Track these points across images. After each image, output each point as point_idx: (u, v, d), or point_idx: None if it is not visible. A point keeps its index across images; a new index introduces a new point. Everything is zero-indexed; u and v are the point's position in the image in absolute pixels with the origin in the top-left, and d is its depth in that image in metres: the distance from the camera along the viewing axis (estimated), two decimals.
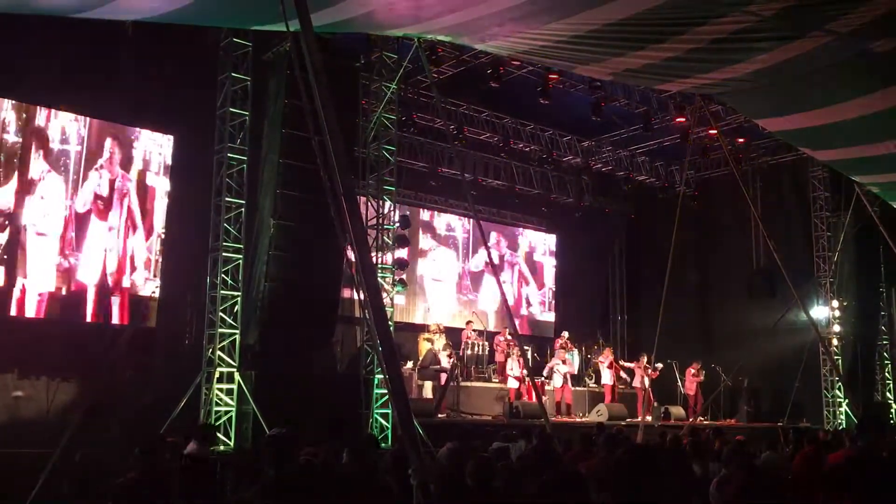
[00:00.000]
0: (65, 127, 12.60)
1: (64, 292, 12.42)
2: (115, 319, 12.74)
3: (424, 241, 20.49)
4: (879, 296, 19.79)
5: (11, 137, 12.13)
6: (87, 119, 12.75)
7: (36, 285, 12.13)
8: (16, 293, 11.96)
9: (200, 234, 12.67)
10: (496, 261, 21.67)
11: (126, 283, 12.94)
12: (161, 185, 13.49)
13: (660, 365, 17.45)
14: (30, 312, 12.05)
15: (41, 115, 12.47)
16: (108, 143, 13.02)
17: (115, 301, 12.81)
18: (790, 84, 8.42)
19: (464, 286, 21.11)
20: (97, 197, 12.83)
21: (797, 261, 18.51)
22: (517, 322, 21.34)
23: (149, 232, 13.23)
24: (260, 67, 13.03)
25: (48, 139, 12.47)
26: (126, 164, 13.16)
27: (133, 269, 13.02)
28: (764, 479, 5.23)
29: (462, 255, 21.21)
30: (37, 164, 12.34)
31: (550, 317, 22.65)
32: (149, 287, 12.99)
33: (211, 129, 12.70)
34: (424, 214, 20.64)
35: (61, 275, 12.39)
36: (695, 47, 7.58)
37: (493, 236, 21.76)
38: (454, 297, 20.85)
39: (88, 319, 12.57)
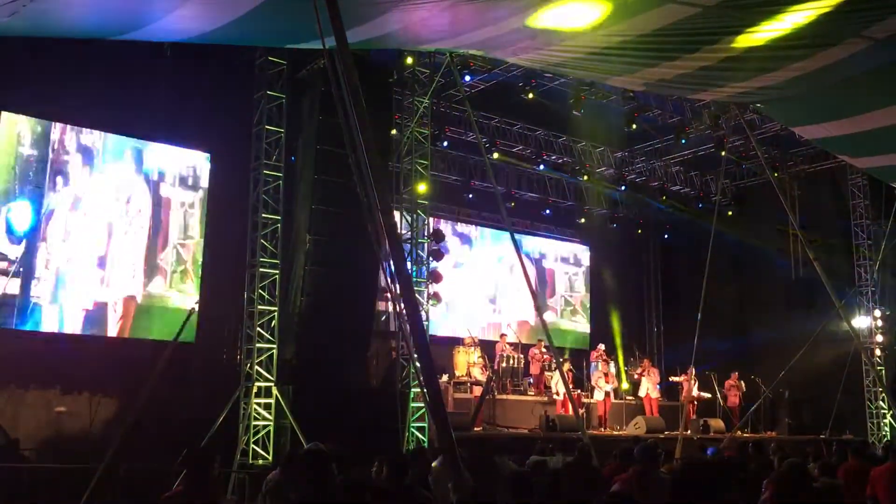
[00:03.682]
0: (83, 141, 12.84)
1: (99, 308, 12.64)
2: (154, 334, 12.93)
3: (457, 253, 20.48)
4: None
5: (41, 152, 12.37)
6: (102, 133, 12.96)
7: (73, 301, 12.36)
8: (56, 309, 12.20)
9: (238, 250, 12.82)
10: (543, 274, 21.61)
11: (153, 296, 13.13)
12: (177, 197, 13.63)
13: (705, 395, 17.38)
14: (69, 328, 12.28)
15: (73, 132, 12.73)
16: (125, 159, 13.21)
17: (151, 314, 13.01)
18: (826, 91, 8.33)
19: (493, 300, 21.01)
20: (126, 211, 13.06)
21: (837, 270, 18.21)
22: (563, 336, 21.23)
23: (164, 244, 13.39)
24: (295, 85, 13.20)
25: (83, 155, 12.74)
26: (144, 177, 13.34)
27: (157, 280, 13.22)
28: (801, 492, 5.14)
29: (490, 267, 21.10)
30: (69, 180, 12.60)
31: (584, 328, 22.46)
32: (174, 299, 13.13)
33: (247, 146, 12.86)
34: (457, 227, 20.63)
35: (97, 290, 12.61)
36: (729, 56, 7.54)
37: (534, 249, 21.71)
38: (486, 310, 20.78)
39: (125, 335, 12.78)
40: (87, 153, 12.84)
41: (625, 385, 18.62)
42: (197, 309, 12.75)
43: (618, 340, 20.92)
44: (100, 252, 12.71)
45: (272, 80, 12.79)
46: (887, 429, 17.87)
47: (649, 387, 17.34)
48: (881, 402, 18.16)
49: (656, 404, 17.31)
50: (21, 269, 11.97)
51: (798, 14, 6.44)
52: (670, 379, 18.59)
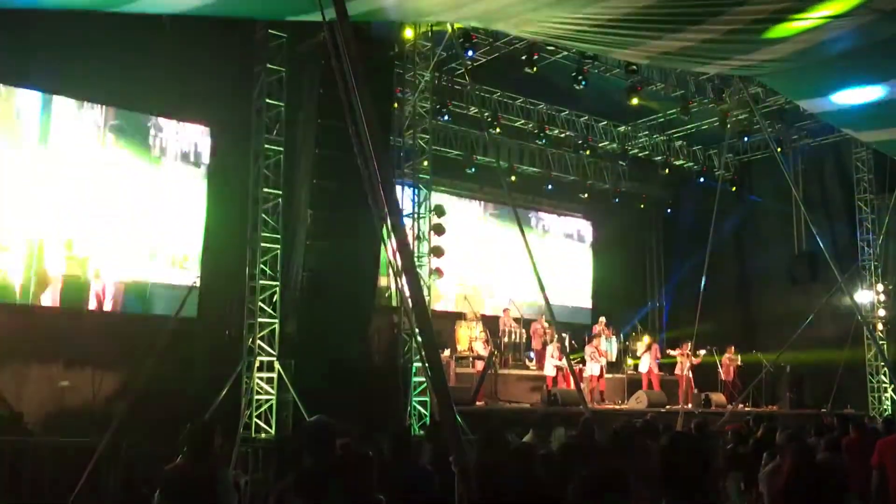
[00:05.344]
0: (88, 116, 12.77)
1: (102, 284, 12.64)
2: (155, 310, 12.95)
3: (459, 228, 20.42)
4: None
5: (40, 128, 12.30)
6: (103, 107, 12.88)
7: (76, 277, 12.37)
8: (58, 284, 12.21)
9: (239, 225, 12.79)
10: (545, 248, 21.54)
11: (154, 272, 13.14)
12: (178, 172, 13.58)
13: (702, 352, 17.30)
14: (72, 304, 12.31)
15: (73, 106, 12.65)
16: (126, 133, 13.14)
17: (154, 291, 13.03)
18: (832, 64, 8.25)
19: (491, 274, 20.98)
20: (128, 186, 13.03)
21: (840, 244, 18.20)
22: (566, 311, 21.21)
23: (165, 219, 13.35)
24: (295, 58, 13.07)
25: (84, 130, 12.68)
26: (145, 152, 13.28)
27: (159, 256, 13.23)
28: (821, 470, 5.16)
29: (491, 242, 21.04)
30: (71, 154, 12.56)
31: (587, 303, 22.46)
32: (184, 277, 13.14)
33: (247, 120, 12.79)
34: (459, 202, 20.56)
35: (101, 265, 12.61)
36: (734, 28, 7.45)
37: (537, 223, 21.69)
38: (488, 285, 20.76)
39: (126, 311, 12.81)
40: (88, 128, 12.77)
41: (628, 361, 18.67)
42: (198, 284, 12.78)
43: (620, 315, 20.92)
44: (101, 228, 12.67)
45: (272, 54, 12.68)
46: (888, 403, 17.93)
47: (651, 363, 17.37)
48: (882, 377, 18.20)
49: (657, 380, 17.36)
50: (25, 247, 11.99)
51: None
52: (668, 352, 18.60)
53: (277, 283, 12.48)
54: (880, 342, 17.95)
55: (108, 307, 12.74)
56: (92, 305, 12.61)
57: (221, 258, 13.44)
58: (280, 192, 12.61)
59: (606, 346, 17.64)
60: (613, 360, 17.97)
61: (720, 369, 18.21)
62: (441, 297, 18.87)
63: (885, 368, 17.70)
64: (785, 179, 14.25)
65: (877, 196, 18.55)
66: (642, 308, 23.04)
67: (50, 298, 12.24)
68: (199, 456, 4.65)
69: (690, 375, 17.21)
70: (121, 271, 12.86)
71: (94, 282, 12.62)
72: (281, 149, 12.67)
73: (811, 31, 7.33)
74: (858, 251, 18.83)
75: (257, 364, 12.09)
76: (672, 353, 18.34)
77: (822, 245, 12.60)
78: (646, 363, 17.39)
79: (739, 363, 18.11)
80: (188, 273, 13.20)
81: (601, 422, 8.87)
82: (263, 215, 12.42)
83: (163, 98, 12.98)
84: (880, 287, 18.74)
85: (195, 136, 13.78)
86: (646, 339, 17.93)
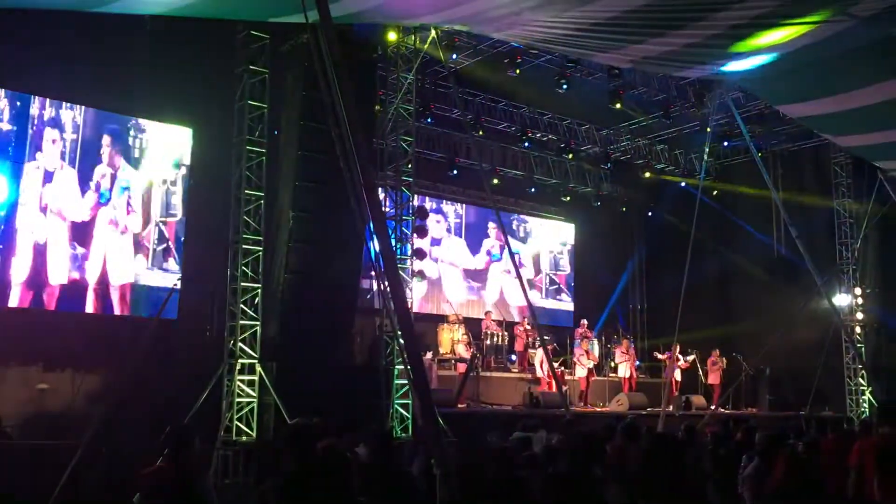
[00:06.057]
0: (63, 117, 12.65)
1: (80, 285, 12.54)
2: (136, 311, 12.86)
3: (440, 231, 20.47)
4: None
5: (20, 127, 12.17)
6: (82, 108, 12.77)
7: (53, 278, 12.25)
8: (35, 285, 12.09)
9: (220, 226, 12.73)
10: (527, 251, 21.69)
11: (134, 274, 13.05)
12: (159, 173, 13.50)
13: (691, 357, 17.47)
14: (49, 305, 12.19)
15: (49, 106, 12.53)
16: (106, 135, 13.03)
17: (133, 292, 12.94)
18: (811, 69, 8.33)
19: (472, 277, 21.05)
20: (107, 188, 12.93)
21: (819, 248, 18.34)
22: (547, 313, 21.36)
23: (146, 222, 13.27)
24: (278, 60, 13.04)
25: (58, 130, 12.57)
26: (125, 153, 13.18)
27: (139, 258, 13.15)
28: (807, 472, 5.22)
29: (473, 245, 21.11)
30: (47, 156, 12.46)
31: (567, 305, 22.57)
32: (166, 279, 13.06)
33: (229, 121, 12.74)
34: (440, 204, 20.60)
35: (78, 267, 12.52)
36: (715, 33, 7.51)
37: (519, 226, 21.78)
38: (470, 287, 20.82)
39: (107, 312, 12.71)
40: (67, 128, 12.67)
41: (611, 363, 18.76)
42: (179, 286, 12.71)
43: (601, 318, 21.03)
44: (80, 229, 12.58)
45: (255, 55, 12.64)
46: (866, 405, 18.09)
47: (628, 367, 17.45)
48: (860, 379, 18.38)
49: (634, 383, 17.44)
50: (1, 247, 11.86)
51: None
52: (655, 355, 18.71)
53: (259, 285, 12.44)
54: (858, 345, 18.14)
55: (89, 309, 12.63)
56: (73, 307, 12.49)
57: (203, 260, 13.37)
58: (262, 194, 12.57)
59: (591, 350, 17.74)
60: (597, 362, 18.05)
61: (700, 372, 18.32)
62: (423, 300, 18.90)
63: (863, 371, 17.87)
64: (765, 183, 14.37)
65: (855, 200, 18.74)
66: (624, 310, 23.16)
67: (30, 300, 12.11)
68: (179, 459, 4.64)
69: (679, 379, 17.33)
70: (101, 273, 12.75)
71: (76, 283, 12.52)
72: (263, 150, 12.63)
73: (789, 38, 7.41)
74: (837, 255, 19.01)
75: (238, 366, 12.04)
76: (660, 356, 18.47)
77: (801, 249, 12.69)
78: (624, 368, 17.47)
79: (725, 366, 18.19)
80: (169, 275, 13.13)
81: (582, 424, 8.92)
82: (245, 217, 12.38)
83: (143, 99, 12.90)
84: (858, 291, 18.92)
85: (176, 138, 13.70)
86: (625, 343, 17.99)
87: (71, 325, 12.17)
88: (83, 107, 12.78)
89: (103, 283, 12.72)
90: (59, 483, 8.88)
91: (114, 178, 12.99)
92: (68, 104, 12.65)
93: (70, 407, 11.79)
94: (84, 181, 12.70)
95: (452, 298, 19.50)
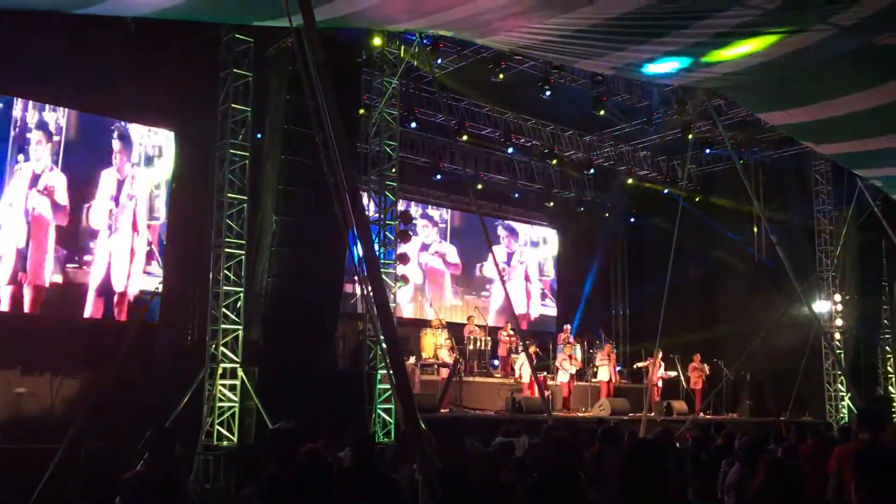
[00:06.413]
0: (47, 119, 12.56)
1: (61, 288, 12.44)
2: (119, 315, 12.78)
3: (425, 235, 20.50)
4: (881, 290, 19.82)
5: (2, 129, 12.07)
6: (66, 110, 12.69)
7: (33, 280, 12.15)
8: (15, 289, 11.98)
9: (203, 230, 12.67)
10: (505, 258, 21.76)
11: (126, 278, 12.97)
12: (146, 177, 13.43)
13: (674, 373, 17.60)
14: (28, 308, 12.07)
15: (33, 108, 12.44)
16: (89, 137, 12.95)
17: (118, 297, 12.85)
18: (793, 78, 8.40)
19: (466, 282, 21.11)
20: (90, 191, 12.86)
21: (799, 255, 18.49)
22: (531, 319, 21.47)
23: (129, 225, 13.19)
24: (262, 63, 13.01)
25: (45, 132, 12.49)
26: (108, 156, 13.10)
27: (132, 264, 13.06)
28: (789, 478, 5.26)
29: (462, 250, 21.17)
30: (32, 158, 12.37)
31: (551, 311, 22.66)
32: (148, 282, 12.98)
33: (213, 125, 12.69)
34: (424, 209, 20.64)
35: (61, 270, 12.42)
36: (697, 41, 7.57)
37: (503, 232, 21.88)
38: (453, 292, 20.86)
39: (89, 315, 12.60)
40: (50, 130, 12.57)
41: (594, 369, 18.81)
42: (160, 290, 12.64)
43: (584, 323, 21.10)
44: (62, 232, 12.48)
45: (238, 58, 12.61)
46: (845, 411, 18.24)
47: (609, 372, 17.49)
48: (840, 385, 18.53)
49: (612, 388, 17.47)
50: None
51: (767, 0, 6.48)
52: (635, 366, 18.81)
53: (242, 288, 12.39)
54: (837, 351, 18.29)
55: (71, 312, 12.51)
56: (58, 311, 12.37)
57: (185, 264, 13.31)
58: (245, 198, 12.53)
59: (574, 354, 17.78)
60: (580, 367, 18.09)
61: (682, 378, 18.41)
62: (405, 305, 18.91)
63: (842, 377, 18.02)
64: (746, 190, 14.49)
65: (835, 208, 18.92)
66: (607, 315, 23.26)
67: (7, 303, 12.00)
68: (159, 463, 4.62)
69: (660, 385, 17.39)
70: (84, 273, 12.66)
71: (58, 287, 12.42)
72: (246, 154, 12.59)
73: (772, 46, 7.47)
74: (817, 262, 19.18)
75: (220, 371, 11.98)
76: (640, 365, 18.57)
77: (781, 255, 12.80)
78: (605, 372, 17.51)
79: (707, 371, 18.26)
80: (151, 278, 13.05)
81: (565, 429, 8.93)
82: (228, 221, 12.33)
83: (127, 102, 12.84)
84: (838, 297, 19.09)
85: (159, 141, 13.64)
86: (607, 348, 18.05)
87: (51, 329, 12.06)
88: (67, 109, 12.71)
89: (85, 285, 12.62)
90: (39, 486, 8.81)
91: (97, 181, 12.90)
92: (52, 106, 12.57)
93: (49, 411, 11.68)
94: (69, 184, 12.60)
95: (438, 304, 19.54)
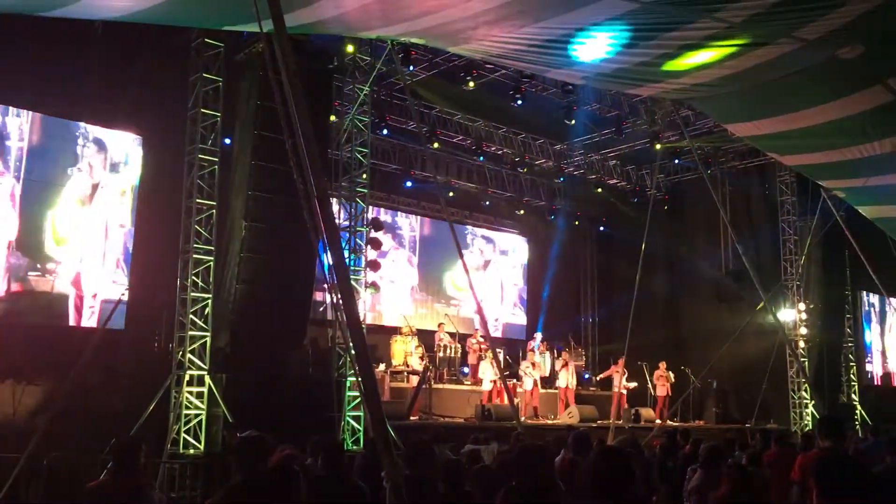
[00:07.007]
0: (14, 123, 12.39)
1: (23, 295, 12.24)
2: (85, 322, 12.61)
3: (393, 242, 20.47)
4: (845, 298, 20.19)
5: None
6: (29, 113, 12.51)
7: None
8: None
9: (171, 236, 12.54)
10: (480, 264, 21.81)
11: (95, 284, 12.81)
12: (112, 182, 13.28)
13: (633, 384, 17.76)
14: None
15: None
16: (55, 141, 12.77)
17: (83, 304, 12.68)
18: (758, 89, 8.53)
19: (435, 290, 21.11)
20: (66, 197, 12.68)
21: (765, 264, 18.76)
22: (501, 326, 21.51)
23: (95, 230, 13.05)
24: (232, 68, 12.94)
25: (9, 136, 12.30)
26: (73, 161, 12.93)
27: (99, 270, 12.91)
28: (754, 484, 5.31)
29: (431, 258, 21.16)
30: None
31: (520, 319, 22.73)
32: (114, 290, 12.82)
33: (181, 129, 12.58)
34: (393, 216, 20.62)
35: (22, 278, 12.22)
36: (665, 52, 7.66)
37: (473, 240, 21.94)
38: (423, 299, 20.86)
39: (52, 323, 12.42)
40: (14, 135, 12.38)
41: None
42: (126, 297, 12.48)
43: (553, 331, 21.18)
44: (25, 238, 12.28)
45: (208, 63, 12.52)
46: (809, 418, 18.50)
47: (568, 378, 17.51)
48: (804, 393, 18.79)
49: (572, 394, 17.50)
50: None
51: (733, 13, 6.58)
52: (599, 378, 18.96)
53: (210, 295, 12.28)
54: (802, 359, 18.55)
55: (36, 319, 12.31)
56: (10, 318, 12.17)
57: (151, 269, 13.16)
58: (214, 204, 12.43)
59: (540, 360, 17.82)
60: (547, 374, 18.13)
61: (649, 385, 18.55)
62: (375, 312, 18.86)
63: (807, 384, 18.28)
64: (713, 199, 14.69)
65: (799, 218, 19.22)
66: (576, 323, 23.38)
67: None
68: (124, 472, 4.56)
69: (625, 392, 17.49)
70: (47, 281, 12.47)
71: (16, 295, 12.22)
72: (216, 159, 12.50)
73: (738, 58, 7.59)
74: (782, 271, 19.45)
75: (187, 378, 11.85)
76: (602, 376, 18.73)
77: (747, 264, 12.97)
78: (563, 379, 17.55)
79: (672, 379, 18.39)
80: (116, 284, 12.90)
81: (533, 437, 8.96)
82: (196, 226, 12.22)
83: (93, 105, 12.69)
84: (802, 306, 19.38)
85: (125, 145, 13.49)
86: (564, 355, 18.10)
87: (14, 336, 11.84)
88: (30, 112, 12.52)
89: (70, 295, 12.43)
90: (0, 494, 8.65)
91: (63, 186, 12.72)
92: (14, 109, 12.37)
93: (11, 419, 11.47)
94: (31, 188, 12.41)
95: (409, 311, 19.51)
